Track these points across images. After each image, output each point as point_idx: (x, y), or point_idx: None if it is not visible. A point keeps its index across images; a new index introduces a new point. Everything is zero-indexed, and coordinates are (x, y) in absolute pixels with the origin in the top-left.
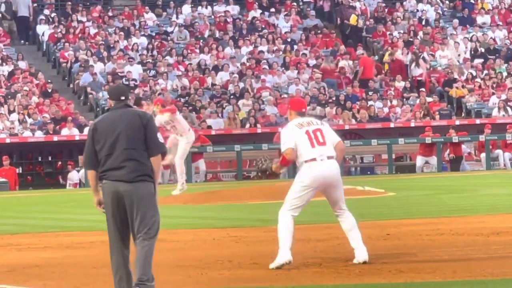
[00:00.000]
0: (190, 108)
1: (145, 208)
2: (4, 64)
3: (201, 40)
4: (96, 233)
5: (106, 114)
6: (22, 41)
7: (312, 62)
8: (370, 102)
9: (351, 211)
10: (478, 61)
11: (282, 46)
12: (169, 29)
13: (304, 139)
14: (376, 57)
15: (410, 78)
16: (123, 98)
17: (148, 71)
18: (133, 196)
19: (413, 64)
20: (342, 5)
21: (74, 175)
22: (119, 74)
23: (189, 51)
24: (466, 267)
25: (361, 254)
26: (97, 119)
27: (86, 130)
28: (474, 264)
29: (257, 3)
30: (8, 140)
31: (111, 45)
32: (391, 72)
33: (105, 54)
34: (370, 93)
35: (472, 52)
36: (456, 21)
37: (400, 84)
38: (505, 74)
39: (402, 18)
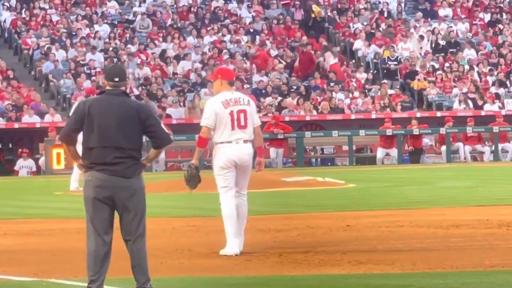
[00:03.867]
0: (151, 97)
1: (141, 203)
2: None
3: (164, 30)
4: (55, 220)
5: (100, 97)
6: None
7: (274, 52)
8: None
9: (312, 202)
10: (439, 54)
11: (245, 37)
12: (132, 18)
13: (226, 120)
14: (338, 48)
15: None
16: (117, 79)
17: (110, 59)
18: (129, 192)
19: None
20: None
21: (30, 163)
22: (80, 62)
23: (149, 40)
24: (425, 259)
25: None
26: (88, 100)
27: (47, 118)
28: (433, 256)
29: None
30: None
31: (73, 33)
32: (301, 63)
33: (67, 41)
34: (332, 84)
35: (433, 45)
36: (419, 14)
37: (362, 75)
38: (467, 67)
39: (364, 9)
